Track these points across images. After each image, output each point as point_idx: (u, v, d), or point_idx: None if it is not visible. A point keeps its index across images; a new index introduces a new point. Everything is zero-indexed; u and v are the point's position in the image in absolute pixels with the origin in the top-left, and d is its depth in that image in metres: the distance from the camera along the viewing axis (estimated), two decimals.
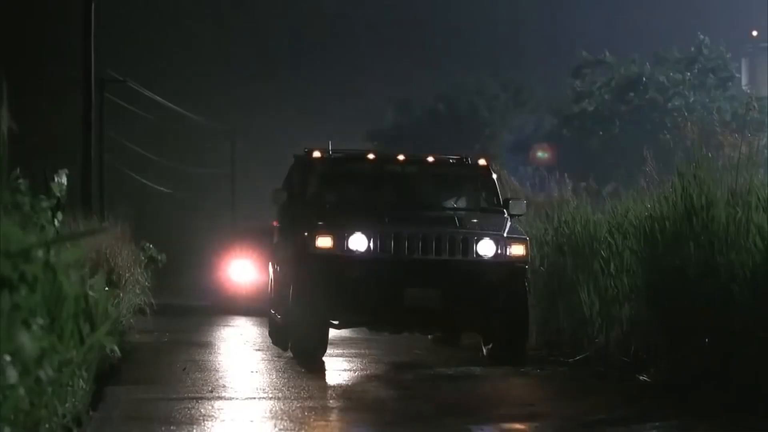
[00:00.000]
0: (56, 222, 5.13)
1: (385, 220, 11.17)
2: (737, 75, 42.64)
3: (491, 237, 11.06)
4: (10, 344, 3.49)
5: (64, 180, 5.69)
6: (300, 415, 7.61)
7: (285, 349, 12.06)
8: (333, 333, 11.66)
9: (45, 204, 4.69)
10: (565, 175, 16.20)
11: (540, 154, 40.01)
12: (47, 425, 4.98)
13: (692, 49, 42.17)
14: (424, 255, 10.93)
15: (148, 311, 16.65)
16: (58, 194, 5.42)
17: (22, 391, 3.67)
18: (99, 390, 7.76)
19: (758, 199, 8.87)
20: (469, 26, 63.58)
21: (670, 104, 39.99)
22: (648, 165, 11.41)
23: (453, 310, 11.06)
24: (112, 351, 4.73)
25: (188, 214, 44.13)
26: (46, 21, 43.49)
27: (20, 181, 4.18)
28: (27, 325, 3.66)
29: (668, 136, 29.05)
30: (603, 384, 9.83)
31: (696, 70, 41.48)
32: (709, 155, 9.97)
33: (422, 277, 10.92)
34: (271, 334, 13.45)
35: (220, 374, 10.22)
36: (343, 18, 62.68)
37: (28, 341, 3.51)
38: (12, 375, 3.49)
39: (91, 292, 4.57)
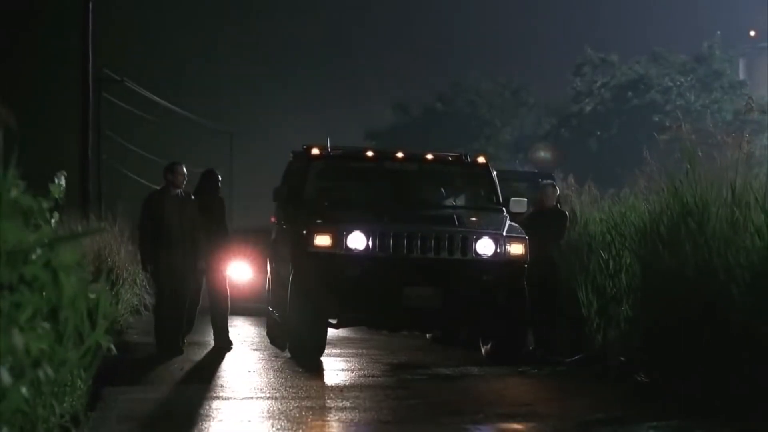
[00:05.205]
0: (52, 222, 5.13)
1: (384, 219, 11.15)
2: (746, 81, 42.57)
3: (490, 236, 11.03)
4: (5, 345, 3.48)
5: (63, 182, 5.69)
6: (297, 415, 7.61)
7: (283, 349, 12.04)
8: (331, 332, 11.64)
9: (45, 205, 4.69)
10: (562, 175, 16.19)
11: (542, 153, 40.00)
12: (45, 425, 4.97)
13: (687, 58, 42.12)
14: (423, 254, 10.90)
15: (145, 311, 16.67)
16: (57, 196, 5.42)
17: (24, 391, 3.66)
18: (97, 390, 7.76)
19: (756, 199, 8.86)
20: (468, 26, 63.56)
21: (668, 105, 39.96)
22: (647, 165, 11.39)
23: (452, 309, 11.04)
24: (109, 350, 4.72)
25: None
26: (45, 20, 43.46)
27: (19, 182, 4.17)
28: (30, 327, 3.65)
29: (664, 137, 29.03)
30: (601, 384, 9.82)
31: (700, 72, 41.43)
32: (701, 154, 9.93)
33: (421, 275, 10.90)
34: (269, 334, 13.43)
35: (218, 374, 10.21)
36: (342, 18, 62.65)
37: (20, 341, 3.50)
38: (5, 376, 3.48)
39: (92, 295, 4.56)
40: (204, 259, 11.86)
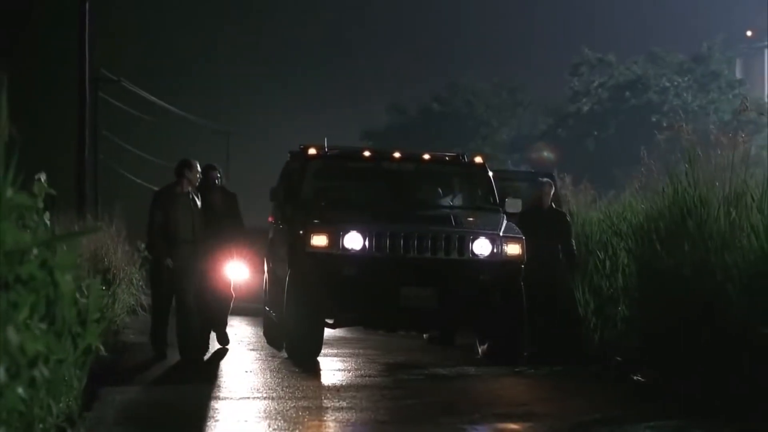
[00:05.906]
0: (46, 222, 5.14)
1: (381, 219, 11.14)
2: (745, 80, 42.53)
3: (487, 236, 11.03)
4: (2, 344, 3.48)
5: (44, 182, 5.71)
6: (294, 415, 7.60)
7: (279, 349, 12.03)
8: (328, 332, 11.63)
9: (40, 204, 4.70)
10: (563, 175, 16.18)
11: (545, 154, 39.98)
12: (41, 425, 4.96)
13: (685, 58, 42.09)
14: (420, 254, 10.89)
15: (141, 311, 16.65)
16: (48, 194, 5.43)
17: (21, 391, 3.66)
18: (93, 390, 7.75)
19: (752, 199, 8.86)
20: (468, 26, 63.56)
21: (666, 106, 39.95)
22: (645, 165, 11.39)
23: (449, 310, 11.03)
24: (98, 349, 4.74)
25: None
26: (43, 20, 43.46)
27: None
28: (26, 326, 3.65)
29: (662, 137, 28.99)
30: (598, 384, 9.81)
31: (698, 72, 41.41)
32: (700, 155, 9.93)
33: (418, 276, 10.89)
34: (265, 334, 13.41)
35: (215, 374, 10.20)
36: (342, 18, 62.62)
37: (15, 339, 3.49)
38: (2, 375, 3.48)
39: (84, 291, 4.57)
40: (204, 259, 11.59)
